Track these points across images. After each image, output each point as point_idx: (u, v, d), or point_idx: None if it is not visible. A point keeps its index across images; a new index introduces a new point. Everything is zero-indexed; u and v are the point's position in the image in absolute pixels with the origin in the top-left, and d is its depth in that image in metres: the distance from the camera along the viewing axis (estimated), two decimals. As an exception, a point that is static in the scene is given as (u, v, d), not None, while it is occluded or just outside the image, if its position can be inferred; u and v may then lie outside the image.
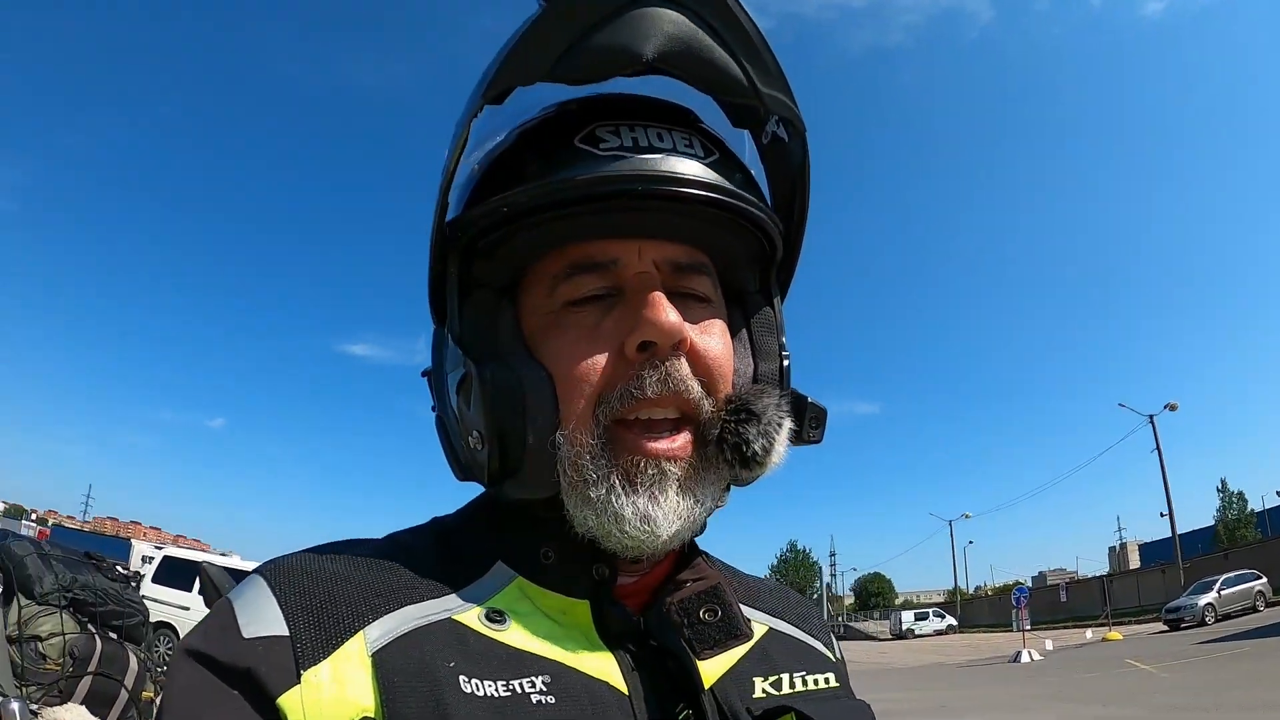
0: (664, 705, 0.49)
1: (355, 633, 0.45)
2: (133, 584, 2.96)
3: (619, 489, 0.49)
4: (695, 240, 0.54)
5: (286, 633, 0.45)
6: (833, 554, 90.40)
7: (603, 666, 0.49)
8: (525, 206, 0.50)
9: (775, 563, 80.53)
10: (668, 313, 0.49)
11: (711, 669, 0.53)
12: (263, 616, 0.46)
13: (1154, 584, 35.81)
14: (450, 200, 0.55)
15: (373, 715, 0.43)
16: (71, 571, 2.62)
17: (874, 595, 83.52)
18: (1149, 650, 16.79)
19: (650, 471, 0.50)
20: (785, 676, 0.58)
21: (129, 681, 2.46)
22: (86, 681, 2.31)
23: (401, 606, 0.48)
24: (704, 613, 0.53)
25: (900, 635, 47.95)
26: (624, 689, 0.49)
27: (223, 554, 18.50)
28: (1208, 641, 16.36)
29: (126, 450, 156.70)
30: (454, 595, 0.50)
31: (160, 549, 15.37)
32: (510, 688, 0.45)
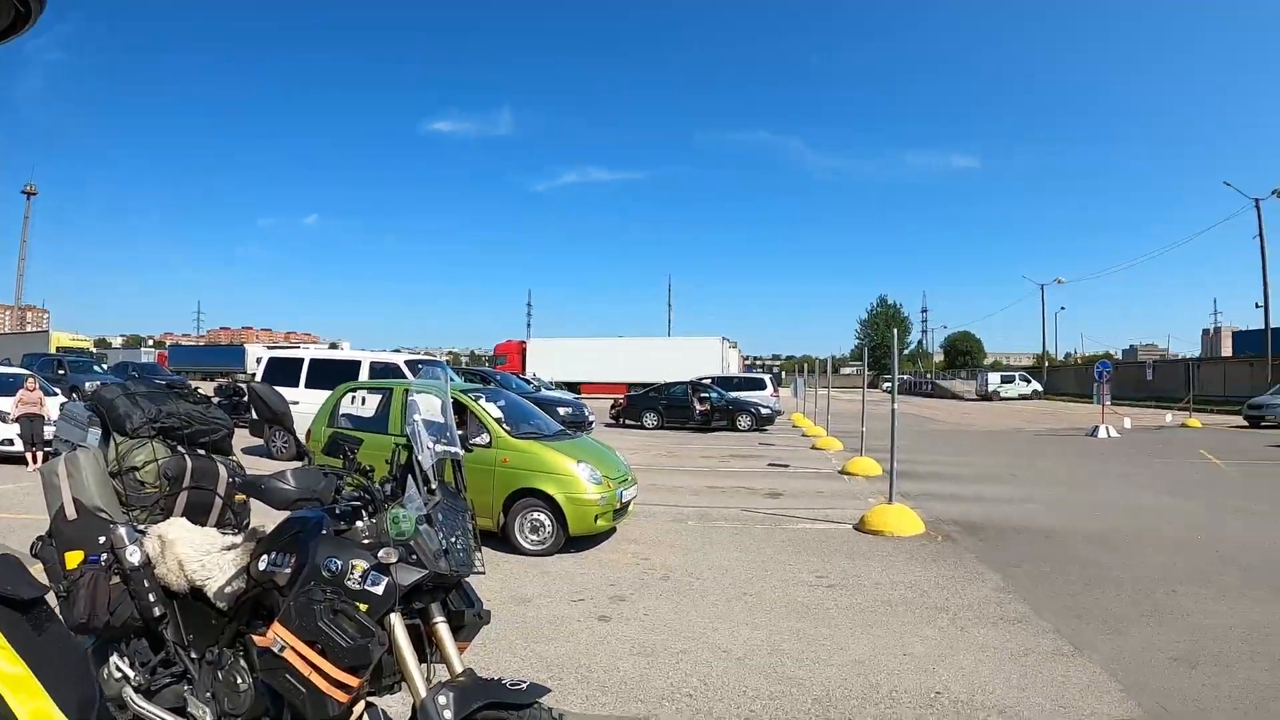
0: None
1: None
2: (214, 402, 3.25)
3: None
4: None
5: None
6: (924, 310, 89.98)
7: None
8: None
9: (865, 317, 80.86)
10: None
11: None
12: None
13: (1241, 375, 35.03)
14: None
15: None
16: (156, 404, 2.89)
17: (963, 354, 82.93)
18: (1224, 444, 16.89)
19: None
20: None
21: (220, 489, 2.85)
22: (183, 497, 2.68)
23: None
24: None
25: (985, 396, 48.58)
26: None
27: (332, 344, 20.34)
28: (1283, 445, 16.13)
29: (236, 263, 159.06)
30: None
31: (270, 349, 16.83)
32: None
